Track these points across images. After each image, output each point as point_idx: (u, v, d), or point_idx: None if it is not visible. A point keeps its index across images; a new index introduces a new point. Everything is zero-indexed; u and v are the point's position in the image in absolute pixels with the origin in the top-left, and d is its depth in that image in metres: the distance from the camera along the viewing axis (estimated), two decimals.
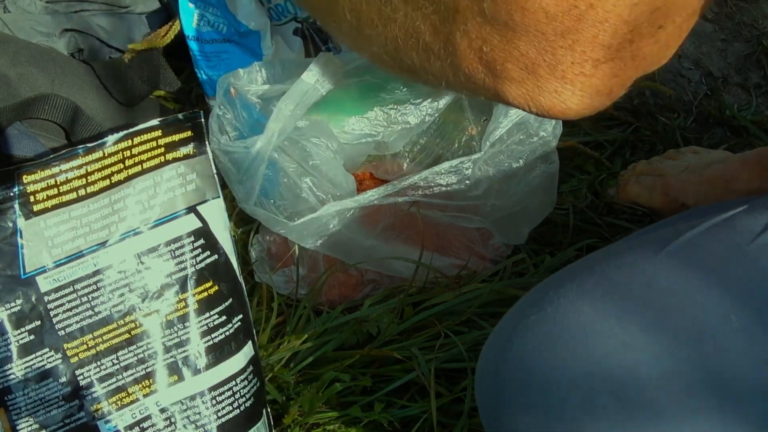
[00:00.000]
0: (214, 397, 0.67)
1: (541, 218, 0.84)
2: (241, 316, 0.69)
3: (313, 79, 0.70)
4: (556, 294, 0.49)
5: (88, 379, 0.64)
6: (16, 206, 0.64)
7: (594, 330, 0.46)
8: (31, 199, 0.64)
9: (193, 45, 0.94)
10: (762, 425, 0.42)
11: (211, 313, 0.67)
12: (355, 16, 0.45)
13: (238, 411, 0.67)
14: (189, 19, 0.93)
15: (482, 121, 0.88)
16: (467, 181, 0.76)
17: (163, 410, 0.65)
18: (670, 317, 0.45)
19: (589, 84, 0.41)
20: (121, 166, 0.67)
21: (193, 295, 0.67)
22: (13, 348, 0.63)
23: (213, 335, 0.67)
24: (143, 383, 0.65)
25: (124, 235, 0.66)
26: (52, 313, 0.64)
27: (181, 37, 0.94)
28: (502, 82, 0.43)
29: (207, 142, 0.69)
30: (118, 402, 0.65)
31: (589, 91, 0.42)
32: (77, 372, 0.64)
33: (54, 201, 0.65)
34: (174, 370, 0.66)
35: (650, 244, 0.49)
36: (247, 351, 0.69)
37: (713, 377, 0.43)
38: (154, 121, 0.68)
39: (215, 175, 0.70)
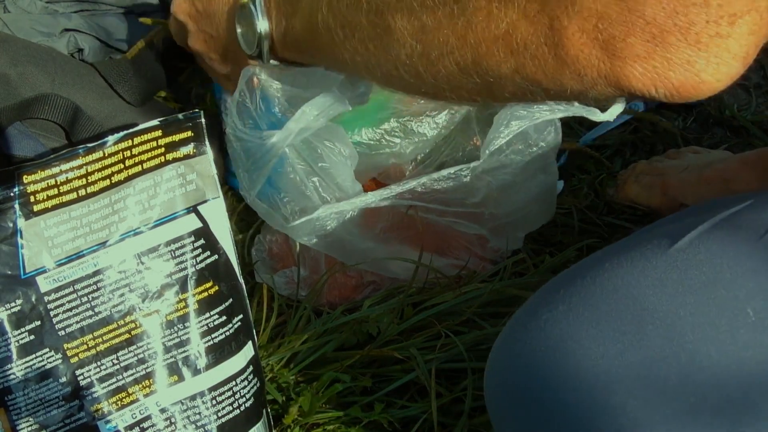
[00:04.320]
0: (214, 398, 0.67)
1: (538, 226, 0.84)
2: (241, 317, 0.69)
3: (343, 92, 0.70)
4: (567, 293, 0.49)
5: (88, 380, 0.64)
6: (16, 206, 0.64)
7: (607, 328, 0.46)
8: (32, 199, 0.64)
9: None
10: None
11: (211, 313, 0.67)
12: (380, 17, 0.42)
13: (238, 411, 0.67)
14: None
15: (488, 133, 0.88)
16: (465, 189, 0.76)
17: (163, 410, 0.65)
18: (685, 314, 0.45)
19: (725, 47, 0.37)
20: (122, 166, 0.66)
21: (194, 295, 0.67)
22: (13, 348, 0.63)
23: (213, 335, 0.67)
24: (143, 383, 0.65)
25: (124, 235, 0.66)
26: (52, 313, 0.64)
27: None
28: (622, 63, 0.38)
29: (207, 142, 0.69)
30: (119, 402, 0.65)
31: (726, 56, 0.37)
32: (77, 372, 0.64)
33: (54, 201, 0.65)
34: (174, 370, 0.66)
35: (661, 239, 0.48)
36: (247, 351, 0.69)
37: (729, 374, 0.43)
38: (154, 121, 0.68)
39: (215, 175, 0.69)
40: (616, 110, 0.71)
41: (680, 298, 0.46)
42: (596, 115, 0.70)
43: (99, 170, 0.66)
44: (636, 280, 0.47)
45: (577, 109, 0.70)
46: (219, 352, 0.67)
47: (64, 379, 0.64)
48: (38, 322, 0.63)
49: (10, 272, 0.63)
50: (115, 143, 0.67)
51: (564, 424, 0.45)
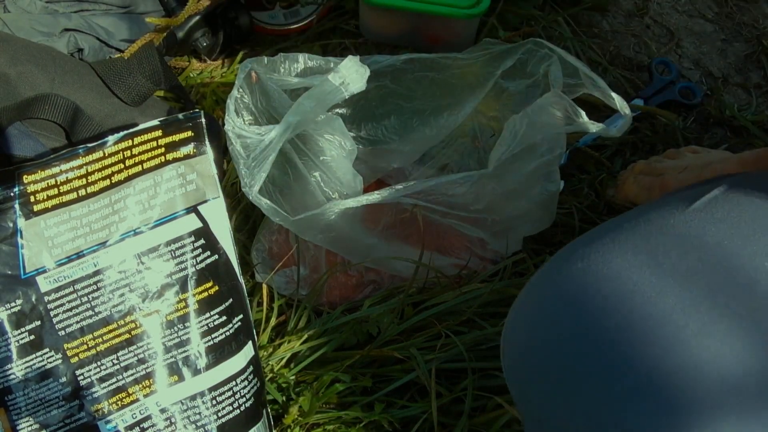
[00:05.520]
0: (214, 398, 0.67)
1: (538, 231, 0.84)
2: (241, 317, 0.69)
3: (338, 80, 0.69)
4: (587, 251, 0.50)
5: (89, 380, 0.64)
6: (17, 206, 0.64)
7: (628, 281, 0.46)
8: (32, 199, 0.64)
9: None
10: None
11: (212, 313, 0.67)
12: None
13: (238, 411, 0.67)
14: None
15: (490, 137, 0.88)
16: (471, 195, 0.76)
17: (163, 410, 0.65)
18: (704, 270, 0.46)
19: None
20: (122, 166, 0.67)
21: (194, 295, 0.67)
22: (13, 348, 0.63)
23: (213, 335, 0.67)
24: (143, 383, 0.65)
25: (125, 235, 0.66)
26: (52, 313, 0.64)
27: (181, 37, 0.94)
28: None
29: (207, 142, 0.69)
30: (119, 402, 0.65)
31: None
32: (77, 372, 0.64)
33: (54, 201, 0.65)
34: (174, 370, 0.66)
35: (678, 202, 0.50)
36: (248, 351, 0.69)
37: (751, 320, 0.43)
38: (155, 121, 0.68)
39: (215, 175, 0.70)
40: (623, 126, 0.72)
41: (698, 254, 0.47)
42: (606, 132, 0.71)
43: (99, 170, 0.66)
44: (655, 237, 0.48)
45: (586, 125, 0.70)
46: (219, 352, 0.67)
47: (64, 379, 0.64)
48: (38, 322, 0.63)
49: (10, 272, 0.63)
50: (115, 143, 0.67)
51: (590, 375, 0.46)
